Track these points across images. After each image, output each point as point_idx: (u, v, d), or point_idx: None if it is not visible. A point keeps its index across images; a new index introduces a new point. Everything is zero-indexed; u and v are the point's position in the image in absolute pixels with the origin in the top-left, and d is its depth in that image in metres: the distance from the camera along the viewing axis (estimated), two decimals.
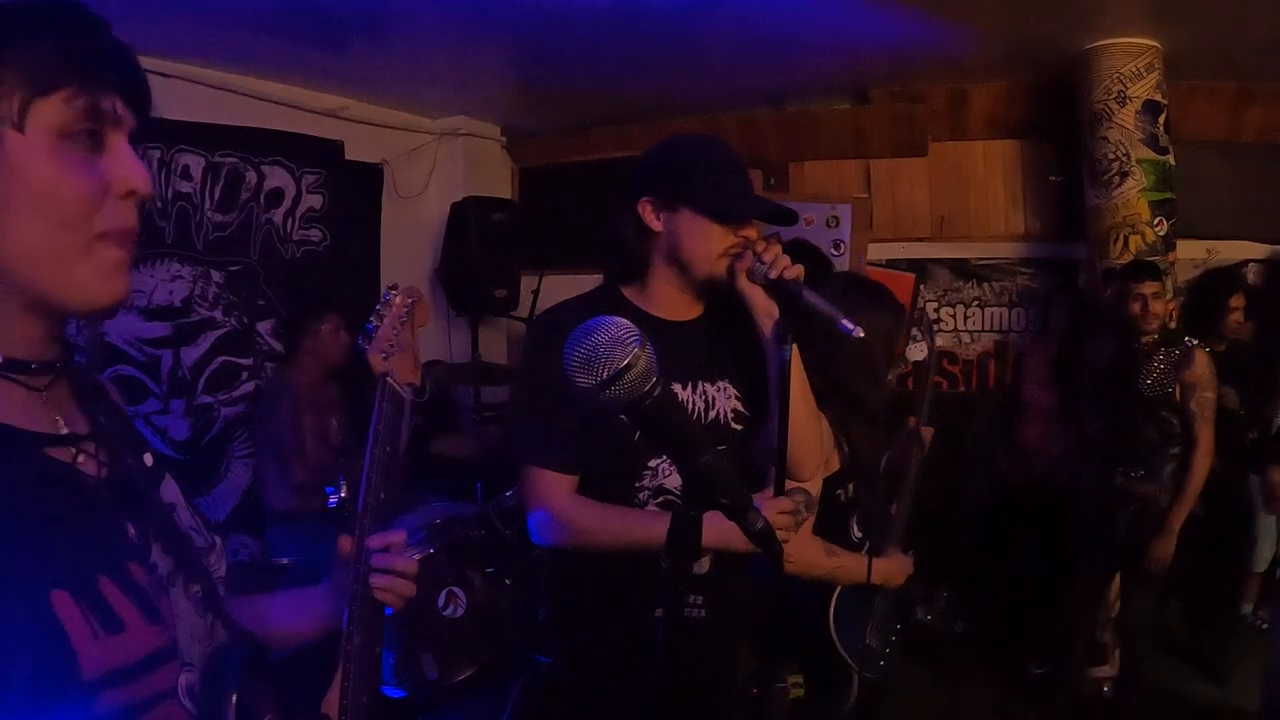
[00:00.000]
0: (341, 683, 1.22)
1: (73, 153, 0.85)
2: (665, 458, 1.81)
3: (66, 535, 0.86)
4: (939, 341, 5.15)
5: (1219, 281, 4.40)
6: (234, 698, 0.97)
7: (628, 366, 0.97)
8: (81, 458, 0.92)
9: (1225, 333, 4.21)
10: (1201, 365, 3.59)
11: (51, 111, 0.84)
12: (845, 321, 1.66)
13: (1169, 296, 3.93)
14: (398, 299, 1.38)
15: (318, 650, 1.28)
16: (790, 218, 1.85)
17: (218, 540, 1.12)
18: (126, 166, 0.89)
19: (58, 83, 0.84)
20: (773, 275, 1.72)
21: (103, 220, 0.87)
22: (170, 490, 1.06)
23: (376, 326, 1.35)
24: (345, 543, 1.28)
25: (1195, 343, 3.69)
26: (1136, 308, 3.65)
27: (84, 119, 0.86)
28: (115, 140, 0.89)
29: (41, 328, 0.90)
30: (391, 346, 1.34)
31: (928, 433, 2.79)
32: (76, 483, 0.90)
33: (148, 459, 1.03)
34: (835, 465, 2.34)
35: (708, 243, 1.78)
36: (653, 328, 1.79)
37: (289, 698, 1.08)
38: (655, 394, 0.99)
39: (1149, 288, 3.65)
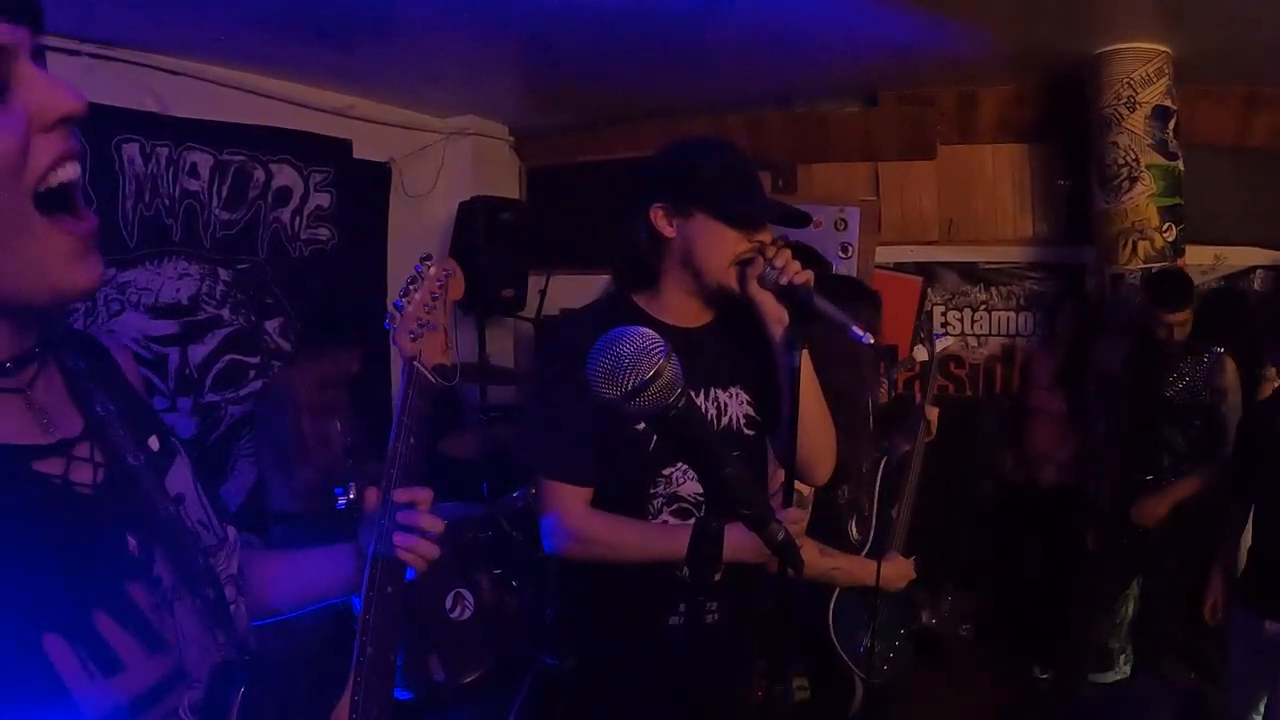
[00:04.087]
0: (352, 695, 1.16)
1: None
2: (680, 465, 1.80)
3: (58, 567, 0.79)
4: (947, 343, 5.14)
5: (1225, 303, 4.37)
6: (235, 713, 0.92)
7: (654, 377, 0.96)
8: (74, 466, 0.85)
9: None
10: (1232, 373, 3.59)
11: None
12: (856, 328, 1.66)
13: None
14: (431, 270, 1.28)
15: (327, 660, 1.24)
16: (804, 220, 1.84)
17: (230, 533, 1.05)
18: (44, 93, 0.74)
19: None
20: (783, 281, 1.71)
21: (34, 167, 0.75)
22: (180, 477, 0.99)
23: (406, 303, 1.25)
24: (371, 496, 1.21)
25: (1221, 350, 3.68)
26: (1162, 333, 3.61)
27: None
28: (18, 70, 0.74)
29: (8, 325, 0.81)
30: (421, 326, 1.25)
31: (933, 412, 2.78)
32: (69, 499, 0.84)
33: (153, 443, 0.97)
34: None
35: (723, 248, 1.77)
36: (665, 335, 1.79)
37: (295, 712, 1.05)
38: (680, 404, 0.99)
39: (1178, 317, 3.60)
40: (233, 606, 1.00)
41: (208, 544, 1.00)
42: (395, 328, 1.25)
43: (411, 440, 1.22)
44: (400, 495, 1.20)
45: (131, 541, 0.88)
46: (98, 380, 0.94)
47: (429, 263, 1.30)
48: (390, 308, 1.28)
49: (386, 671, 1.19)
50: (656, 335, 0.99)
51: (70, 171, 0.78)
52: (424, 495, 1.22)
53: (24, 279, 0.76)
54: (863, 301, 2.46)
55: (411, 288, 1.27)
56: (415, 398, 1.24)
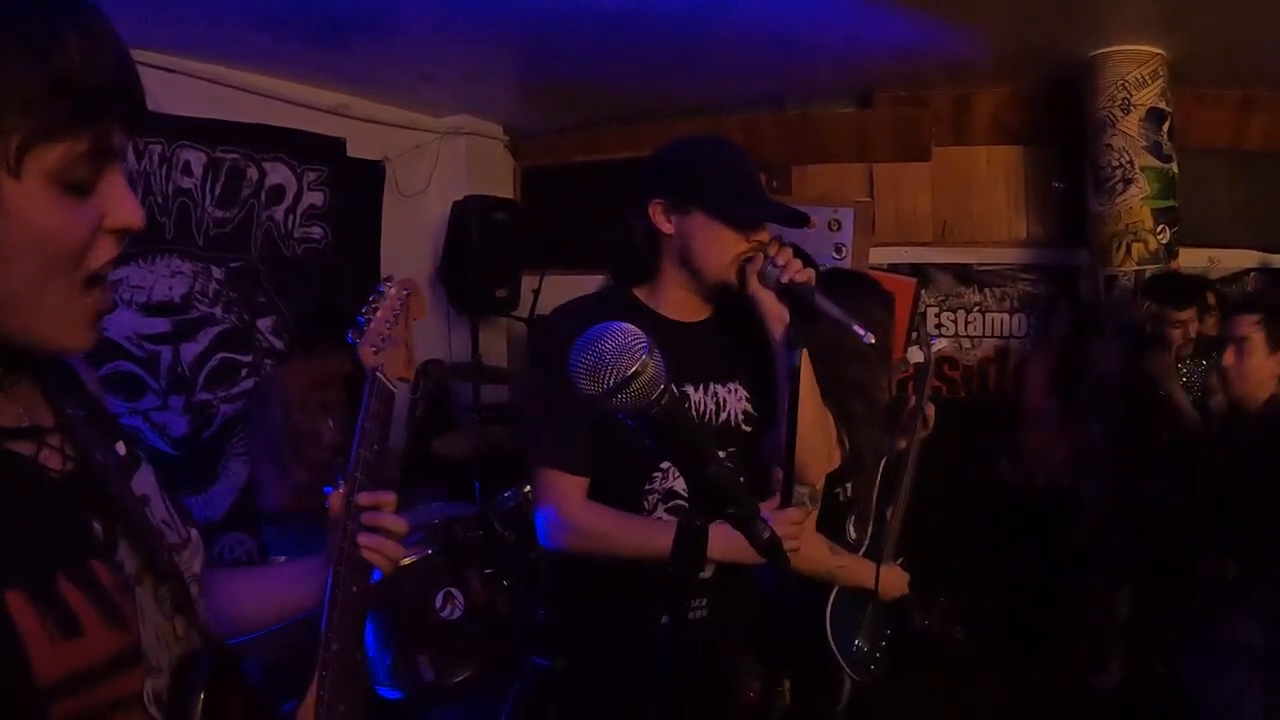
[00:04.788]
0: (317, 690, 1.17)
1: (69, 196, 0.81)
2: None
3: (24, 532, 0.82)
4: (941, 344, 5.14)
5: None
6: (200, 705, 0.93)
7: (635, 374, 0.95)
8: (45, 451, 0.88)
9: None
10: None
11: (51, 158, 0.79)
12: (858, 327, 1.65)
13: None
14: (392, 291, 1.34)
15: (295, 656, 1.24)
16: (802, 219, 1.83)
17: (193, 534, 1.07)
18: (122, 202, 0.85)
19: (63, 130, 0.79)
20: (785, 279, 1.71)
21: (92, 261, 0.85)
22: (145, 481, 1.01)
23: (368, 320, 1.31)
24: (335, 500, 1.23)
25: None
26: (1178, 335, 3.61)
27: (86, 165, 0.81)
28: (111, 172, 0.85)
29: (3, 349, 0.88)
30: (383, 340, 1.30)
31: (929, 408, 2.78)
32: (38, 478, 0.87)
33: (120, 448, 0.99)
34: (836, 461, 2.33)
35: (721, 246, 1.77)
36: (664, 329, 1.79)
37: (262, 705, 1.05)
38: (663, 402, 0.98)
39: (1188, 314, 3.60)
40: (197, 604, 1.02)
41: (171, 542, 1.01)
42: (358, 342, 1.30)
43: (375, 446, 1.26)
44: (364, 498, 1.22)
45: (96, 527, 0.90)
46: (67, 392, 0.98)
47: (389, 284, 1.36)
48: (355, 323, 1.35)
49: (354, 669, 1.20)
50: (639, 331, 0.99)
51: (110, 269, 0.88)
52: (388, 498, 1.25)
53: (44, 335, 0.85)
54: (871, 299, 2.45)
55: (373, 304, 1.33)
56: (378, 405, 1.28)
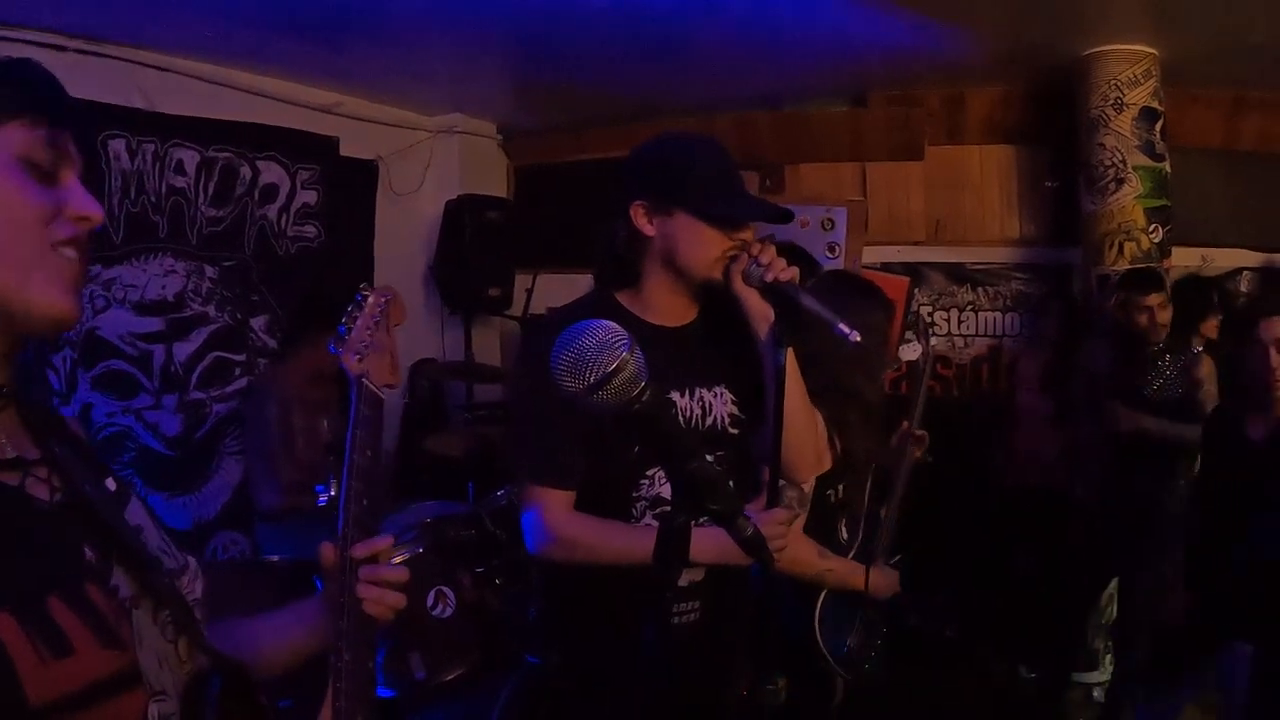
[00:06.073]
0: (333, 702, 1.16)
1: (29, 175, 0.90)
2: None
3: (11, 556, 0.82)
4: (934, 343, 5.15)
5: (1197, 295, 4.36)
6: None
7: (615, 370, 0.95)
8: (30, 481, 0.89)
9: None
10: (1208, 368, 3.63)
11: (12, 137, 0.89)
12: (842, 325, 1.63)
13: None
14: (370, 299, 1.34)
15: (306, 669, 1.23)
16: (786, 217, 1.81)
17: (191, 561, 1.07)
18: (80, 198, 0.94)
19: (19, 110, 0.90)
20: (769, 278, 1.69)
21: (57, 231, 0.92)
22: (136, 514, 1.02)
23: (349, 329, 1.31)
24: (328, 551, 1.21)
25: (1200, 349, 3.72)
26: (1144, 319, 3.66)
27: (43, 149, 0.91)
28: (67, 176, 0.94)
29: None
30: (366, 348, 1.30)
31: (922, 436, 2.79)
32: (24, 505, 0.87)
33: (110, 484, 1.00)
34: (828, 463, 2.33)
35: (704, 247, 1.74)
36: (648, 334, 1.77)
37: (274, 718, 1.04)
38: (644, 398, 0.98)
39: (1154, 299, 3.65)
40: (201, 626, 1.01)
41: (170, 568, 1.01)
42: (340, 351, 1.30)
43: (368, 452, 1.25)
44: (360, 550, 1.20)
45: (89, 553, 0.89)
46: (53, 432, 0.98)
47: (367, 292, 1.35)
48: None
49: (366, 677, 1.19)
50: (620, 329, 0.99)
51: (78, 250, 0.95)
52: (384, 544, 1.23)
53: (22, 294, 0.89)
54: (872, 302, 2.45)
55: (352, 313, 1.32)
56: (365, 412, 1.28)
